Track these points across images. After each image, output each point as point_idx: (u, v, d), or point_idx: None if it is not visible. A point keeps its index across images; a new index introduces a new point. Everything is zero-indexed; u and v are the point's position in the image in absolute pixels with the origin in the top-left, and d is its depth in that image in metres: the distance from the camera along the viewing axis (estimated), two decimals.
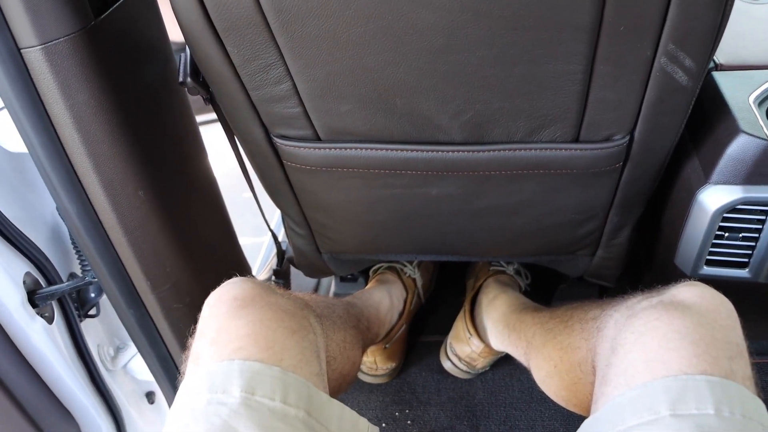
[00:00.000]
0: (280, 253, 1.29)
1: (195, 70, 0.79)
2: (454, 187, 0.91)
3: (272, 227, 1.19)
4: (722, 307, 0.72)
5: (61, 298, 0.99)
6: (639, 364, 0.68)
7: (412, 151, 0.84)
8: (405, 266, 1.41)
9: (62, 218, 0.86)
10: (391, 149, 0.85)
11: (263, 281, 0.81)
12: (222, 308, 0.74)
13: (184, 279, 0.97)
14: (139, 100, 0.83)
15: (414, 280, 1.43)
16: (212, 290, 0.77)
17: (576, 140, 0.83)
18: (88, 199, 0.81)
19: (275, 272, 1.32)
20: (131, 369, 1.21)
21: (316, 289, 1.58)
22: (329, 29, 0.68)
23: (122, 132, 0.79)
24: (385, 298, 1.31)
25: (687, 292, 0.74)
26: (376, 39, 0.68)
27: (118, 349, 1.19)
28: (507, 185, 0.91)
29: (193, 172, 1.01)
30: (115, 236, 0.86)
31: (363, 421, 0.77)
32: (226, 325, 0.72)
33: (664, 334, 0.68)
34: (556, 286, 1.49)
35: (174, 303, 0.98)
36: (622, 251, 1.10)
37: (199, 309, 0.77)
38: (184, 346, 1.03)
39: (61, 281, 0.98)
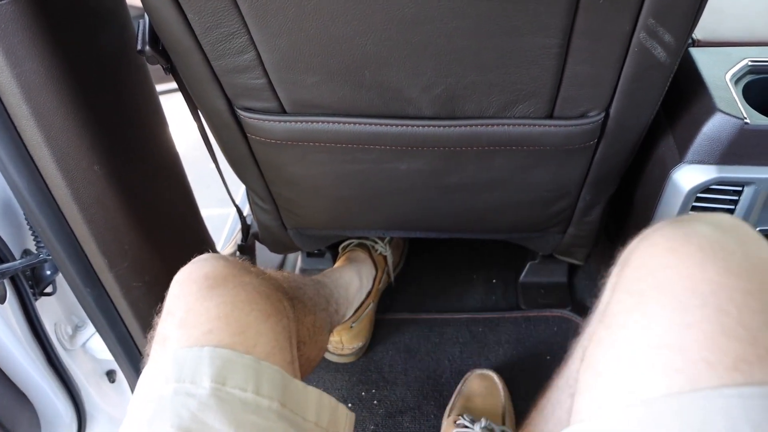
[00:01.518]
0: (245, 228, 1.26)
1: (154, 38, 0.75)
2: (423, 163, 0.89)
3: (237, 201, 1.15)
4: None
5: (14, 276, 0.95)
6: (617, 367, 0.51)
7: (380, 125, 0.81)
8: (376, 243, 1.37)
9: (13, 193, 0.81)
10: (359, 123, 0.81)
11: (235, 258, 0.76)
12: (192, 287, 0.68)
13: (143, 257, 0.93)
14: (94, 69, 0.79)
15: (385, 257, 1.39)
16: (174, 268, 0.73)
17: (550, 116, 0.81)
18: (40, 174, 0.77)
19: (240, 248, 1.29)
20: (90, 348, 1.17)
21: (281, 265, 1.54)
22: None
23: (75, 103, 0.75)
24: (355, 279, 1.27)
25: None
26: (344, 7, 0.65)
27: (77, 328, 1.15)
28: (478, 161, 0.88)
29: (153, 144, 0.96)
30: (70, 212, 0.82)
31: (342, 408, 0.73)
32: (195, 306, 0.67)
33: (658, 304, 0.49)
34: (525, 263, 1.48)
35: (133, 281, 0.94)
36: (593, 229, 1.08)
37: (159, 287, 0.72)
38: (144, 326, 0.99)
39: (14, 258, 0.93)
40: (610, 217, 1.09)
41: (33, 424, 1.11)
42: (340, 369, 1.34)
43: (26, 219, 0.95)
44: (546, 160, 0.88)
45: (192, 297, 0.68)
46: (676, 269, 0.49)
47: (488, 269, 1.53)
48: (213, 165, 1.04)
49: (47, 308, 1.06)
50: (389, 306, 1.46)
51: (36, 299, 1.02)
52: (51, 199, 0.80)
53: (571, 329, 1.38)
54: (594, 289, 1.43)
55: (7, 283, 0.95)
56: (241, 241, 1.28)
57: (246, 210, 1.32)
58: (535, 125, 0.81)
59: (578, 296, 1.46)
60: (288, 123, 0.82)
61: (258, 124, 0.83)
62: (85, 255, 0.88)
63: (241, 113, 0.83)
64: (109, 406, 1.19)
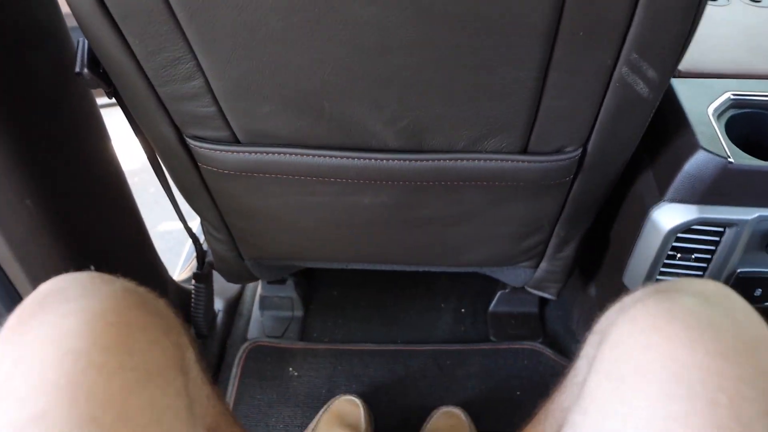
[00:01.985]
0: (201, 256, 1.19)
1: (94, 60, 0.68)
2: (388, 197, 0.83)
3: (192, 225, 1.08)
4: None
5: None
6: None
7: (341, 158, 0.75)
8: None
9: None
10: (318, 155, 0.75)
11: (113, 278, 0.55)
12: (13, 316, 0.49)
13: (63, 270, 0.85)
14: (26, 91, 0.72)
15: None
16: None
17: (524, 151, 0.75)
18: None
19: (195, 276, 1.21)
20: None
21: (240, 294, 1.47)
22: (245, 22, 0.58)
23: (3, 131, 0.67)
24: None
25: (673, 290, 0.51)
26: (300, 34, 0.59)
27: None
28: (447, 195, 0.82)
29: (94, 169, 0.89)
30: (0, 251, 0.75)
31: None
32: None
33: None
34: (495, 292, 1.42)
35: None
36: (567, 265, 1.03)
37: None
38: None
39: None
40: (584, 253, 1.03)
41: None
42: (300, 403, 1.27)
43: None
44: (519, 195, 0.83)
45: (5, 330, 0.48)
46: (659, 351, 0.44)
47: (457, 298, 1.47)
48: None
49: None
50: (352, 336, 1.40)
51: None
52: None
53: (542, 362, 1.32)
54: (566, 321, 1.40)
55: None
56: (197, 269, 1.21)
57: (202, 236, 1.25)
58: (508, 160, 0.75)
59: (550, 327, 1.41)
60: (241, 153, 0.76)
61: (209, 153, 0.77)
62: (19, 296, 0.80)
63: (191, 142, 0.76)
64: None
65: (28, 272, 0.77)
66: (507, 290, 1.40)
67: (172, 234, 1.01)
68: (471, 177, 0.77)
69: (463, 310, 1.45)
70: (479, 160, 0.75)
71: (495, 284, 1.43)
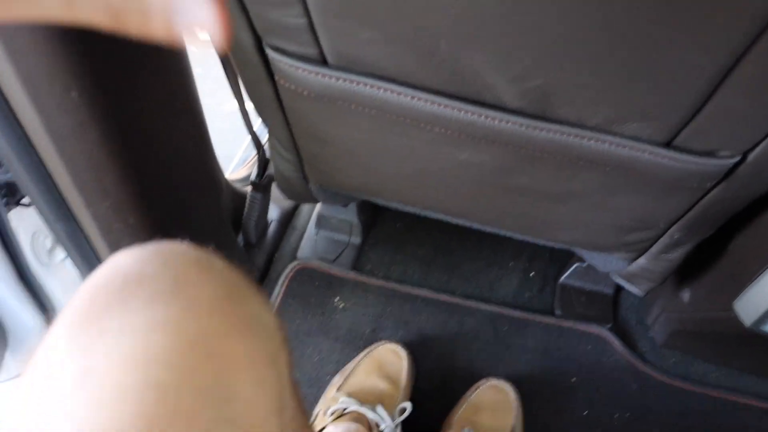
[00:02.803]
0: (262, 165, 1.08)
1: None
2: (489, 158, 0.69)
3: (256, 130, 0.96)
4: None
5: None
6: None
7: (445, 106, 0.62)
8: (383, 421, 1.01)
9: None
10: (420, 98, 0.62)
11: (199, 252, 0.41)
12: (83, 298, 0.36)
13: (128, 197, 0.76)
14: None
15: None
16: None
17: (667, 145, 0.61)
18: (4, 97, 0.59)
19: (253, 185, 1.11)
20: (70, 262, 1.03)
21: (298, 205, 1.37)
22: None
23: None
24: None
25: None
26: None
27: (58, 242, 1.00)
28: (558, 171, 0.69)
29: (152, 60, 0.76)
30: (41, 143, 0.65)
31: None
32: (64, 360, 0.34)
33: None
34: (571, 262, 1.29)
35: (115, 222, 0.77)
36: (669, 267, 0.89)
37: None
38: None
39: None
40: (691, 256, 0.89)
41: None
42: (340, 338, 1.18)
43: None
44: (642, 189, 0.69)
45: (64, 335, 0.35)
46: None
47: (527, 259, 1.34)
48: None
49: (24, 219, 0.91)
50: (408, 277, 1.29)
51: (10, 209, 0.88)
52: (16, 126, 0.63)
53: (606, 352, 1.20)
54: (642, 313, 1.26)
55: None
56: (256, 177, 1.10)
57: (265, 138, 1.14)
58: (645, 151, 0.61)
59: (622, 314, 1.28)
60: (328, 78, 0.63)
61: (290, 71, 0.64)
62: (58, 190, 0.71)
63: (271, 53, 0.64)
64: None
65: (69, 167, 0.67)
66: (584, 264, 1.26)
67: (238, 115, 0.87)
68: (595, 160, 0.64)
69: (532, 273, 1.32)
70: (611, 143, 0.61)
71: (572, 253, 1.29)
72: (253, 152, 1.37)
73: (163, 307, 0.34)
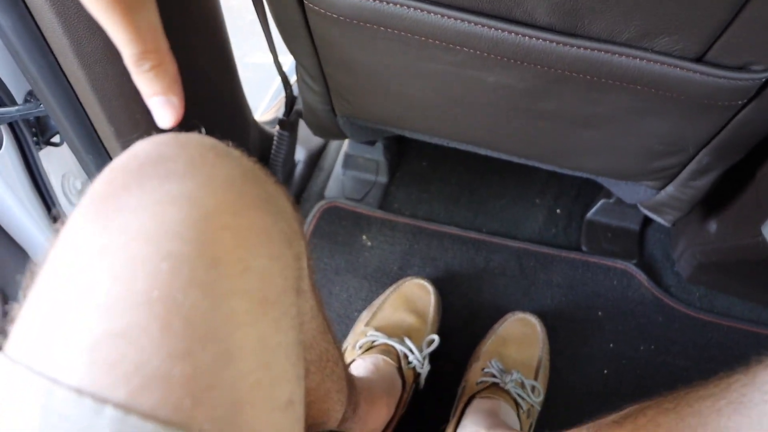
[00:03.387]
0: (290, 101, 1.08)
1: None
2: (518, 79, 0.69)
3: (284, 68, 0.97)
4: None
5: (13, 123, 0.80)
6: None
7: (475, 24, 0.62)
8: (411, 353, 1.03)
9: (5, 45, 0.64)
10: (449, 16, 0.62)
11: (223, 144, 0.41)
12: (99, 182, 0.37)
13: (159, 129, 0.77)
14: None
15: (418, 374, 1.05)
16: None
17: (699, 60, 0.61)
18: (31, 15, 0.60)
19: (280, 122, 1.12)
20: None
21: (324, 148, 1.37)
22: None
23: None
24: (383, 409, 0.96)
25: None
26: None
27: (87, 181, 1.01)
28: (587, 92, 0.69)
29: None
30: (70, 68, 0.65)
31: None
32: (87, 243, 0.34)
33: None
34: (597, 198, 1.29)
35: None
36: (697, 195, 0.89)
37: None
38: None
39: (14, 102, 0.78)
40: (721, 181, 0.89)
41: None
42: (368, 276, 1.20)
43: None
44: (672, 109, 0.69)
45: (83, 215, 0.35)
46: None
47: (554, 196, 1.34)
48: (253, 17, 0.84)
49: (54, 159, 0.93)
50: (435, 215, 1.30)
51: (40, 149, 0.89)
52: (47, 49, 0.63)
53: (632, 287, 1.21)
54: (668, 248, 1.26)
55: (4, 129, 0.80)
56: (284, 114, 1.11)
57: (294, 78, 1.14)
58: (676, 66, 0.61)
59: (648, 250, 1.28)
60: None
61: None
62: (89, 119, 0.72)
63: None
64: None
65: (99, 95, 0.68)
66: (611, 200, 1.27)
67: (263, 67, 0.87)
68: (625, 78, 0.63)
69: (558, 210, 1.33)
70: (642, 59, 0.61)
71: (599, 190, 1.29)
72: (278, 100, 1.38)
73: (178, 183, 0.34)
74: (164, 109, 0.34)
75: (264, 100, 1.53)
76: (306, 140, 1.32)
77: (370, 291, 1.18)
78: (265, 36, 0.85)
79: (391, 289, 1.13)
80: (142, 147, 0.37)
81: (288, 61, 0.98)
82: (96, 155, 0.78)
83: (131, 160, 0.36)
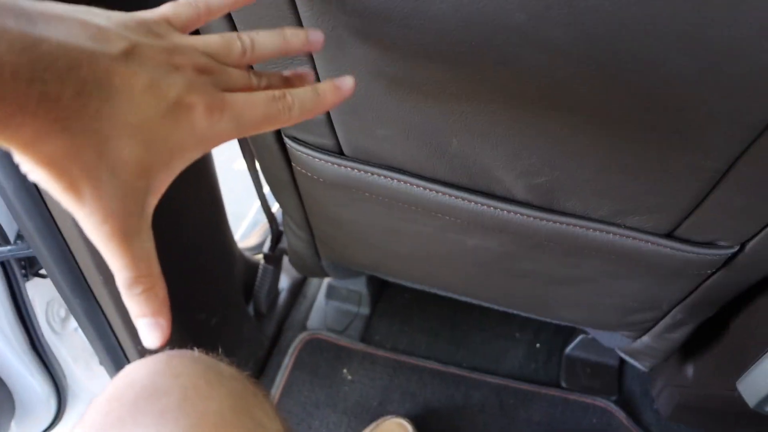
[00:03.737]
0: (275, 238, 1.11)
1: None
2: (497, 245, 0.72)
3: (269, 204, 1.00)
4: None
5: (3, 261, 0.81)
6: None
7: (456, 198, 0.65)
8: None
9: None
10: (432, 189, 0.65)
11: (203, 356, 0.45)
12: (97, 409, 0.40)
13: None
14: None
15: None
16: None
17: (668, 235, 0.63)
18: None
19: (266, 257, 1.14)
20: (82, 333, 1.05)
21: (305, 279, 1.39)
22: (383, 38, 0.48)
23: None
24: None
25: None
26: (445, 60, 0.48)
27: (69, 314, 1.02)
28: (563, 258, 0.71)
29: None
30: (64, 223, 0.68)
31: None
32: None
33: None
34: (576, 334, 1.30)
35: None
36: (673, 346, 0.90)
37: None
38: (138, 342, 0.85)
39: (7, 242, 0.80)
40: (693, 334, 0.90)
41: (6, 404, 1.01)
42: (348, 411, 1.19)
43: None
44: (644, 274, 0.71)
45: None
46: None
47: (534, 331, 1.36)
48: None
49: (40, 288, 0.94)
50: (415, 348, 1.31)
51: (28, 279, 0.90)
52: (40, 203, 0.66)
53: (612, 425, 1.20)
54: (647, 384, 1.27)
55: None
56: (269, 249, 1.13)
57: (276, 207, 1.16)
58: (647, 242, 0.64)
59: (627, 385, 1.29)
60: (344, 168, 0.66)
61: (307, 160, 0.67)
62: (77, 264, 0.74)
63: (290, 143, 0.67)
64: (96, 386, 1.07)
65: (90, 245, 0.70)
66: (589, 336, 1.28)
67: (247, 174, 0.89)
68: (600, 249, 0.66)
69: (538, 345, 1.34)
70: (615, 234, 0.64)
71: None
72: (261, 224, 1.41)
73: (173, 424, 0.36)
74: (152, 330, 0.36)
75: (250, 211, 1.54)
76: (290, 268, 1.33)
77: (349, 427, 1.17)
78: (254, 185, 0.88)
79: (370, 427, 1.13)
80: (138, 375, 0.38)
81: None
82: (83, 299, 0.79)
83: (126, 390, 0.37)
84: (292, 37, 0.41)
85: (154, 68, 0.33)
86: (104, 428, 0.36)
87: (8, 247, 0.79)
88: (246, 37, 0.39)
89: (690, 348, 1.04)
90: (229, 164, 1.02)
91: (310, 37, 0.42)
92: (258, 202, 1.52)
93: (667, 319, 0.84)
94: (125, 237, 0.33)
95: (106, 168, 0.31)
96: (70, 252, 0.73)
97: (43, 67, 0.28)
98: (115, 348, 0.88)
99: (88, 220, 0.32)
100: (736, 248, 0.63)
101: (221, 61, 0.37)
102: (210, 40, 0.37)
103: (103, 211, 0.32)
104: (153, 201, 0.35)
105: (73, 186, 0.31)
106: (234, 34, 0.39)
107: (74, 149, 0.30)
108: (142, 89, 0.32)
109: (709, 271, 0.68)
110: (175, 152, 0.34)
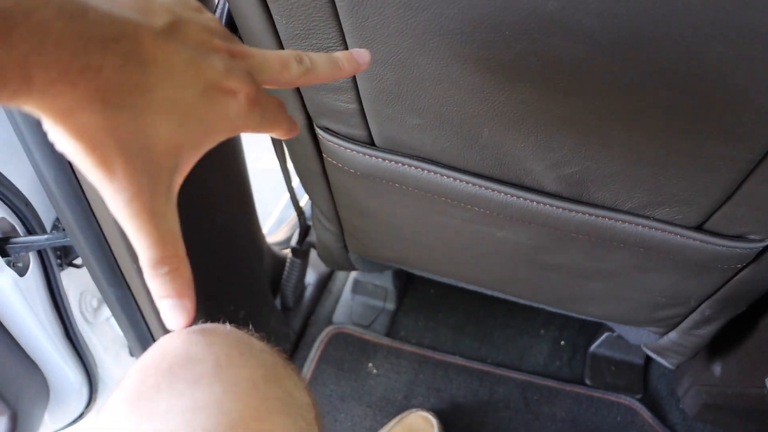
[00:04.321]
0: (303, 232, 1.12)
1: (231, 25, 0.60)
2: (525, 237, 0.72)
3: (298, 199, 1.01)
4: None
5: (40, 250, 0.83)
6: None
7: (486, 188, 0.65)
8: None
9: (39, 179, 0.68)
10: (462, 180, 0.66)
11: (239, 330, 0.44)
12: (118, 401, 0.38)
13: None
14: None
15: None
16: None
17: (698, 228, 0.63)
18: (70, 164, 0.64)
19: (293, 250, 1.15)
20: (115, 323, 1.06)
21: (331, 273, 1.40)
22: (417, 26, 0.48)
23: None
24: None
25: None
26: (481, 54, 0.49)
27: (102, 301, 1.04)
28: (592, 251, 0.72)
29: None
30: (101, 212, 0.69)
31: None
32: None
33: None
34: (601, 331, 1.30)
35: None
36: (700, 343, 0.90)
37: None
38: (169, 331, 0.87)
39: (44, 231, 0.82)
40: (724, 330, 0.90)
41: (41, 392, 1.03)
42: (373, 404, 1.20)
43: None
44: (674, 269, 0.71)
45: (116, 415, 0.37)
46: None
47: (558, 327, 1.36)
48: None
49: (75, 278, 0.96)
50: (441, 343, 1.31)
51: (62, 269, 0.92)
52: (80, 192, 0.67)
53: (636, 424, 1.20)
54: (673, 383, 1.26)
55: (32, 255, 0.84)
56: (297, 243, 1.14)
57: (304, 203, 1.17)
58: (677, 234, 0.64)
59: (652, 384, 1.28)
60: (374, 158, 0.67)
61: (338, 150, 0.68)
62: (112, 254, 0.75)
63: (321, 133, 0.68)
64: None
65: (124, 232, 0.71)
66: (615, 334, 1.28)
67: (276, 172, 0.90)
68: (628, 241, 0.66)
69: (562, 342, 1.34)
70: (644, 226, 0.64)
71: (603, 323, 1.30)
72: (291, 211, 1.42)
73: (207, 389, 0.37)
74: (176, 311, 0.36)
75: (276, 209, 1.56)
76: (316, 263, 1.35)
77: (375, 420, 1.18)
78: (284, 178, 0.89)
79: (395, 420, 1.13)
80: (173, 345, 0.39)
81: (305, 197, 1.01)
82: (117, 288, 0.80)
83: (162, 359, 0.38)
84: (346, 63, 0.42)
85: (194, 47, 0.33)
86: (140, 394, 0.37)
87: (45, 236, 0.81)
88: (307, 58, 0.39)
89: (717, 346, 1.04)
90: (254, 163, 1.03)
91: (360, 59, 0.43)
92: (283, 201, 1.54)
93: (696, 315, 0.84)
94: (153, 215, 0.33)
95: (140, 144, 0.31)
96: (106, 241, 0.74)
97: (87, 36, 0.27)
98: (147, 337, 0.89)
99: (117, 197, 0.32)
100: (767, 242, 0.63)
101: (275, 78, 0.38)
102: (269, 56, 0.38)
103: (133, 188, 0.32)
104: (179, 180, 0.35)
105: (104, 160, 0.30)
106: (296, 54, 0.39)
107: (110, 122, 0.30)
108: (182, 67, 0.32)
109: (738, 266, 0.68)
110: (207, 133, 0.35)
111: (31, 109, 0.28)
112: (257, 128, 0.37)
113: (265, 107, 0.37)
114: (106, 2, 0.29)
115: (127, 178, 0.31)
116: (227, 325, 0.42)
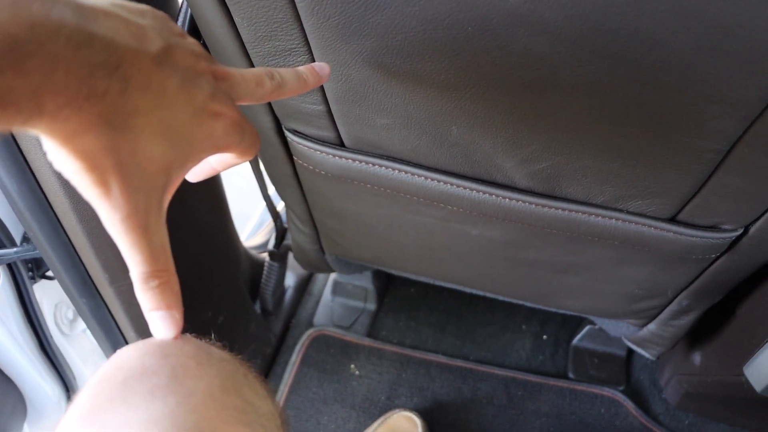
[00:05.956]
0: (280, 235, 1.11)
1: (194, 31, 0.59)
2: (500, 234, 0.72)
3: (273, 202, 1.00)
4: None
5: (10, 263, 0.82)
6: None
7: (458, 186, 0.65)
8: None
9: (1, 190, 0.67)
10: (433, 179, 0.65)
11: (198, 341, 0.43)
12: (72, 417, 0.37)
13: None
14: None
15: None
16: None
17: (672, 220, 0.63)
18: (34, 177, 0.63)
19: (270, 254, 1.14)
20: (90, 333, 1.05)
21: (311, 276, 1.39)
22: (379, 25, 0.48)
23: None
24: None
25: None
26: (445, 48, 0.48)
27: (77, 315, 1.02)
28: (567, 245, 0.71)
29: None
30: (68, 223, 0.68)
31: None
32: None
33: None
34: (583, 325, 1.30)
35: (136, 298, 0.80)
36: (679, 333, 0.90)
37: None
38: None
39: (13, 244, 0.80)
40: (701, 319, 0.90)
41: (17, 407, 1.02)
42: (356, 406, 1.19)
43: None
44: (649, 260, 0.71)
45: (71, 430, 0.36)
46: None
47: (540, 322, 1.35)
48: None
49: (49, 289, 0.94)
50: (422, 342, 1.31)
51: (35, 281, 0.91)
52: (46, 206, 0.66)
53: (620, 415, 1.20)
54: (654, 373, 1.27)
55: (1, 268, 0.82)
56: (274, 247, 1.13)
57: (281, 205, 1.16)
58: (650, 226, 0.64)
59: (635, 375, 1.29)
60: (344, 159, 0.66)
61: (308, 152, 0.67)
62: (83, 264, 0.74)
63: (290, 136, 0.67)
64: None
65: (95, 246, 0.70)
66: (596, 327, 1.28)
67: (251, 175, 0.90)
68: (603, 235, 0.66)
69: (544, 336, 1.34)
70: (617, 219, 0.64)
71: (584, 317, 1.31)
72: (267, 223, 1.41)
73: (161, 401, 0.36)
74: (165, 323, 0.37)
75: (256, 211, 1.54)
76: (295, 266, 1.34)
77: (358, 422, 1.17)
78: (257, 183, 0.88)
79: (378, 421, 1.13)
80: (128, 357, 0.38)
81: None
82: (89, 299, 0.79)
83: (117, 372, 0.38)
84: (310, 77, 0.45)
85: (183, 71, 0.35)
86: (93, 410, 0.36)
87: (14, 249, 0.80)
88: (277, 74, 0.42)
89: (697, 335, 1.04)
90: (234, 168, 1.02)
91: (322, 72, 0.46)
92: (263, 204, 1.53)
93: (673, 306, 0.84)
94: (146, 231, 0.34)
95: (136, 163, 0.33)
96: (76, 252, 0.73)
97: (93, 63, 0.29)
98: (122, 346, 0.88)
99: (112, 214, 0.33)
100: (740, 231, 0.63)
101: (251, 94, 0.40)
102: (246, 75, 0.40)
103: (129, 206, 0.33)
104: (168, 197, 0.36)
105: (102, 179, 0.32)
106: (268, 71, 0.41)
107: (112, 143, 0.31)
108: (174, 91, 0.34)
109: (713, 256, 0.68)
110: (194, 153, 0.36)
111: (39, 132, 0.29)
112: (236, 148, 0.39)
113: (244, 129, 0.39)
114: (108, 30, 0.31)
115: (124, 196, 0.33)
116: (186, 334, 0.42)
